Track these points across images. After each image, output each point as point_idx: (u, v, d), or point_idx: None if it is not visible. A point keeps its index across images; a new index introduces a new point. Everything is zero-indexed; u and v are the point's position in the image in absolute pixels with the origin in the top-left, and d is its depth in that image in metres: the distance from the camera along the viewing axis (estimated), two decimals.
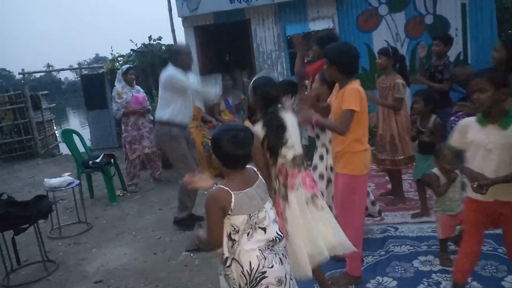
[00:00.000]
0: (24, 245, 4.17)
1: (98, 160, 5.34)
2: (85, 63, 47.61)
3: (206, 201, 1.83)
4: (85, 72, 11.78)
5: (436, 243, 3.22)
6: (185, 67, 4.26)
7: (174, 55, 4.30)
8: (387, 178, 4.66)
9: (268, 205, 1.93)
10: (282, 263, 1.87)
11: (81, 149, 5.87)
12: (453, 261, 2.95)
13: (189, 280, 3.26)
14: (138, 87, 6.07)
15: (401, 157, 4.08)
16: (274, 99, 2.44)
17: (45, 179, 4.62)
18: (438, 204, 3.02)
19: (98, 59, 61.91)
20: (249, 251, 1.80)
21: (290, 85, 3.32)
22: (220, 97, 6.30)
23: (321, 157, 3.36)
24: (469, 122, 2.37)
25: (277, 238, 1.89)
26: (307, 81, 3.96)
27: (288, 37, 7.15)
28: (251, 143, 1.90)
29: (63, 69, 34.18)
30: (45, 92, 12.02)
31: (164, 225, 4.47)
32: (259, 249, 1.82)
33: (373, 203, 3.61)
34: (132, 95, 5.79)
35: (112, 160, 5.54)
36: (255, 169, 2.00)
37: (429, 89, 4.07)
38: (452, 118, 5.01)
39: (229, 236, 1.82)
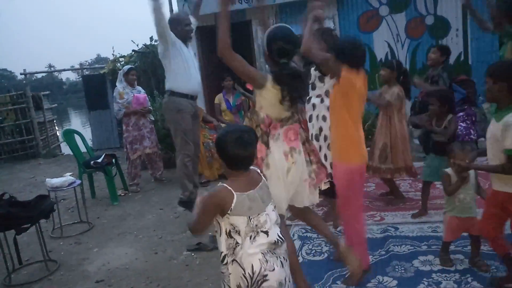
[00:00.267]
0: (25, 244, 4.19)
1: (99, 160, 5.35)
2: (87, 63, 47.53)
3: (207, 194, 1.84)
4: (87, 72, 11.83)
5: (436, 243, 3.23)
6: (183, 38, 4.26)
7: (172, 25, 4.28)
8: None
9: (270, 207, 1.93)
10: (283, 266, 1.88)
11: (83, 149, 5.89)
12: (453, 261, 2.97)
13: (190, 280, 3.27)
14: (139, 88, 6.10)
15: (389, 167, 4.10)
16: (289, 53, 2.39)
17: (46, 179, 4.64)
18: (447, 207, 2.96)
19: (99, 59, 61.96)
20: (252, 254, 1.81)
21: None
22: (221, 98, 6.34)
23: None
24: None
25: (278, 241, 1.90)
26: None
27: None
28: (255, 144, 1.91)
29: (64, 70, 34.33)
30: (47, 92, 12.05)
31: (165, 225, 4.48)
32: (261, 253, 1.83)
33: None
34: (133, 95, 5.81)
35: (113, 160, 5.56)
36: (258, 170, 2.00)
37: (443, 90, 4.07)
38: (461, 114, 5.05)
39: (229, 233, 1.82)
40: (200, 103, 6.00)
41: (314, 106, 3.50)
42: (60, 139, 10.73)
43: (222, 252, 1.85)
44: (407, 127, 4.25)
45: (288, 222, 3.43)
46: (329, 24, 6.96)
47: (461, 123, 5.38)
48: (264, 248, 1.84)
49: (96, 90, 9.50)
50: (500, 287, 2.65)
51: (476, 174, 2.94)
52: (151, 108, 6.08)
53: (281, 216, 2.30)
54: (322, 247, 3.45)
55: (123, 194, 5.74)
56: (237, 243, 1.82)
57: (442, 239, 3.05)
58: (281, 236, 1.93)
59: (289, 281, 1.93)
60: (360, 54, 2.71)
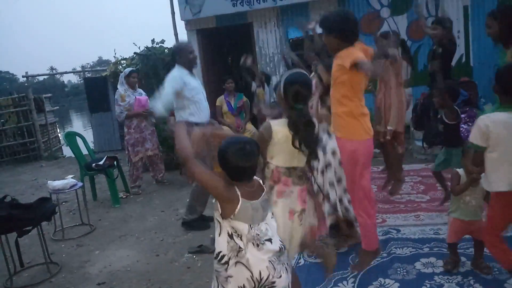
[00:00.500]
0: (27, 247, 4.19)
1: (101, 163, 5.36)
2: (88, 66, 47.76)
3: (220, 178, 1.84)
4: (88, 75, 11.87)
5: (438, 245, 3.23)
6: (189, 66, 4.28)
7: (176, 54, 4.33)
8: None
9: (269, 215, 1.94)
10: (287, 273, 1.90)
11: (84, 151, 5.90)
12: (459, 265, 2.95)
13: (192, 282, 3.26)
14: (140, 90, 6.10)
15: (382, 129, 4.14)
16: (303, 98, 2.40)
17: (48, 181, 4.64)
18: (452, 207, 2.94)
19: (101, 62, 62.15)
20: (260, 260, 1.82)
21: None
22: (223, 100, 6.35)
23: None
24: None
25: (282, 249, 1.92)
26: None
27: (290, 40, 7.18)
28: (257, 154, 1.91)
29: (66, 72, 34.21)
30: (49, 95, 12.09)
31: (167, 227, 4.48)
32: (269, 261, 1.84)
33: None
34: (135, 98, 5.82)
35: (115, 162, 5.57)
36: (261, 181, 1.99)
37: (446, 82, 4.05)
38: (462, 115, 5.03)
39: (231, 236, 1.83)
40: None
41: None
42: (62, 141, 10.76)
43: (220, 252, 1.85)
44: (405, 94, 4.26)
45: None
46: None
47: (462, 125, 5.37)
48: (271, 256, 1.85)
49: (97, 93, 9.52)
50: None
51: None
52: (152, 110, 6.08)
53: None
54: (323, 248, 3.43)
55: (124, 197, 5.74)
56: (240, 247, 1.82)
57: (446, 241, 3.02)
58: (282, 243, 1.95)
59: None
60: (351, 27, 2.64)
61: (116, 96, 5.93)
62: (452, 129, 3.66)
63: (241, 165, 1.83)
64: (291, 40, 7.21)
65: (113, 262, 3.80)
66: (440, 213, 3.81)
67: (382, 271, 3.02)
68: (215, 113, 6.54)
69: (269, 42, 7.34)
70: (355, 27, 2.66)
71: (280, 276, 1.85)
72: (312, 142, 2.36)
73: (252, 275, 1.81)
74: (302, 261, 3.22)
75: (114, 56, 9.63)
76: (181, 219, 4.44)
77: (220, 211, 1.84)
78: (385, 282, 2.89)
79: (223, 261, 1.85)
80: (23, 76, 10.58)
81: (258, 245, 1.83)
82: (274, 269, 1.84)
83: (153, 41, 8.99)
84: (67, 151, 9.61)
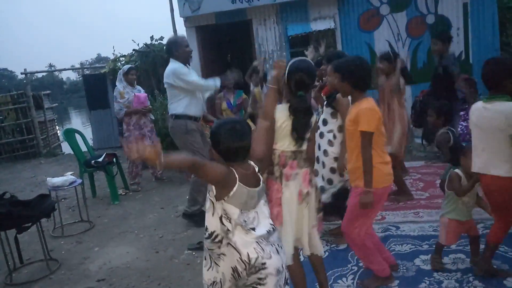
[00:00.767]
0: (26, 244, 4.19)
1: (100, 160, 5.36)
2: (87, 63, 47.54)
3: (218, 163, 1.85)
4: (87, 72, 11.82)
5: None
6: (185, 60, 4.28)
7: (173, 48, 4.31)
8: None
9: (262, 202, 1.96)
10: (278, 253, 1.90)
11: (84, 148, 5.90)
12: (444, 265, 2.95)
13: (191, 279, 3.27)
14: (139, 87, 6.09)
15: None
16: (306, 86, 2.42)
17: (47, 178, 4.64)
18: (448, 208, 2.91)
19: (100, 59, 62.01)
20: (247, 242, 1.83)
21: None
22: (222, 97, 6.33)
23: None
24: None
25: (270, 230, 1.92)
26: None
27: (290, 37, 7.17)
28: (249, 134, 1.91)
29: (65, 69, 34.25)
30: (47, 92, 12.07)
31: (166, 224, 4.49)
32: (256, 242, 1.84)
33: None
34: (134, 94, 5.81)
35: (114, 159, 5.56)
36: (257, 168, 1.98)
37: (441, 103, 4.09)
38: (461, 113, 5.04)
39: (220, 219, 1.84)
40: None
41: (330, 142, 3.38)
42: (61, 138, 10.74)
43: (214, 231, 1.86)
44: (407, 116, 4.25)
45: None
46: (329, 23, 6.96)
47: (462, 122, 5.39)
48: (258, 237, 1.85)
49: (96, 90, 9.50)
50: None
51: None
52: (151, 107, 6.07)
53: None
54: (323, 247, 3.43)
55: (124, 193, 5.74)
56: (228, 229, 1.83)
57: (439, 240, 2.98)
58: (273, 225, 1.96)
59: (285, 268, 1.96)
60: (364, 76, 2.63)
61: (115, 93, 5.91)
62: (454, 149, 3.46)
63: (233, 145, 1.84)
64: (290, 37, 7.20)
65: (112, 259, 3.81)
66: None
67: None
68: (215, 110, 6.54)
69: (268, 39, 7.32)
70: (369, 76, 2.67)
71: (270, 257, 1.84)
72: (303, 129, 2.40)
73: (241, 256, 1.81)
74: (302, 258, 3.21)
75: (113, 53, 9.63)
76: (181, 215, 4.44)
77: (214, 192, 1.85)
78: None
79: (216, 240, 1.86)
80: (21, 73, 10.56)
81: (245, 230, 1.84)
82: (263, 250, 1.84)
83: (152, 38, 9.00)
84: (66, 148, 9.61)
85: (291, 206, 2.43)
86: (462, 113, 5.28)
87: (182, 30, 7.77)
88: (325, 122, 3.39)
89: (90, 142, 7.89)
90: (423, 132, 5.26)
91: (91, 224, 4.70)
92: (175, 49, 4.28)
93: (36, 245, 4.00)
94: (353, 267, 3.11)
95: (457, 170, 2.89)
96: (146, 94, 6.05)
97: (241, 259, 1.82)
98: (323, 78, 3.67)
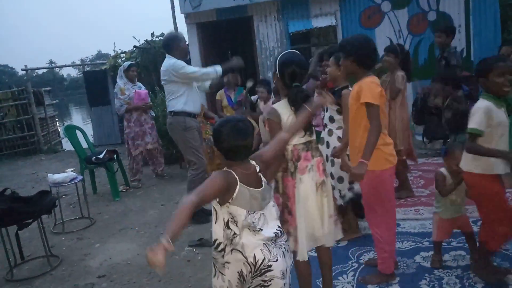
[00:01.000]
0: (27, 240, 4.19)
1: (101, 156, 5.36)
2: (88, 59, 47.67)
3: (215, 173, 1.84)
4: (88, 68, 11.84)
5: None
6: (183, 55, 4.28)
7: (172, 43, 4.30)
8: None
9: (270, 203, 1.94)
10: (284, 257, 1.90)
11: (84, 145, 5.90)
12: (443, 263, 2.95)
13: (192, 275, 3.28)
14: (139, 84, 6.10)
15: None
16: (299, 77, 2.41)
17: (48, 175, 4.65)
18: (438, 205, 2.95)
19: (100, 55, 62.00)
20: (254, 244, 1.82)
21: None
22: (223, 94, 6.33)
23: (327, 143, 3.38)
24: (489, 105, 2.48)
25: (278, 233, 1.91)
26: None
27: (291, 34, 7.15)
28: (251, 133, 1.90)
29: (65, 66, 33.92)
30: (48, 88, 12.09)
31: (167, 221, 4.48)
32: (264, 244, 1.84)
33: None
34: (135, 91, 5.81)
35: (115, 156, 5.57)
36: (258, 168, 1.95)
37: (444, 72, 4.02)
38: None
39: (227, 224, 1.83)
40: (202, 99, 5.98)
41: (339, 138, 3.33)
42: (62, 135, 10.75)
43: (217, 240, 1.86)
44: (408, 112, 4.24)
45: None
46: (331, 20, 6.94)
47: None
48: (266, 239, 1.85)
49: (97, 86, 9.50)
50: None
51: None
52: (152, 104, 6.07)
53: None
54: None
55: (124, 190, 5.74)
56: (234, 233, 1.82)
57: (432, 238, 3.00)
58: (280, 228, 1.94)
59: (288, 274, 1.95)
60: (370, 53, 2.58)
61: (115, 90, 5.91)
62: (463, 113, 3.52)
63: (235, 143, 1.84)
64: (291, 34, 7.18)
65: (113, 255, 3.81)
66: None
67: None
68: (216, 107, 6.53)
69: (269, 35, 7.30)
70: (374, 54, 2.63)
71: (277, 260, 1.84)
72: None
73: (247, 259, 1.81)
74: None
75: (114, 50, 9.63)
76: None
77: (217, 199, 1.84)
78: None
79: (219, 248, 1.86)
80: (22, 70, 10.55)
81: (253, 231, 1.83)
82: (270, 252, 1.83)
83: (152, 34, 8.99)
84: (66, 145, 9.62)
85: (309, 199, 2.40)
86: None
87: (183, 27, 7.74)
88: (332, 119, 3.37)
89: (91, 139, 7.89)
90: (424, 129, 5.24)
91: (92, 220, 4.71)
92: (174, 45, 4.27)
93: (37, 242, 4.00)
94: (353, 264, 3.11)
95: (442, 170, 2.92)
96: (146, 91, 6.05)
97: (247, 262, 1.81)
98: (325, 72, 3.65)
